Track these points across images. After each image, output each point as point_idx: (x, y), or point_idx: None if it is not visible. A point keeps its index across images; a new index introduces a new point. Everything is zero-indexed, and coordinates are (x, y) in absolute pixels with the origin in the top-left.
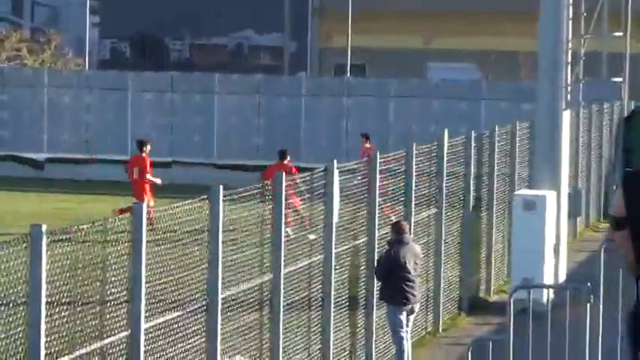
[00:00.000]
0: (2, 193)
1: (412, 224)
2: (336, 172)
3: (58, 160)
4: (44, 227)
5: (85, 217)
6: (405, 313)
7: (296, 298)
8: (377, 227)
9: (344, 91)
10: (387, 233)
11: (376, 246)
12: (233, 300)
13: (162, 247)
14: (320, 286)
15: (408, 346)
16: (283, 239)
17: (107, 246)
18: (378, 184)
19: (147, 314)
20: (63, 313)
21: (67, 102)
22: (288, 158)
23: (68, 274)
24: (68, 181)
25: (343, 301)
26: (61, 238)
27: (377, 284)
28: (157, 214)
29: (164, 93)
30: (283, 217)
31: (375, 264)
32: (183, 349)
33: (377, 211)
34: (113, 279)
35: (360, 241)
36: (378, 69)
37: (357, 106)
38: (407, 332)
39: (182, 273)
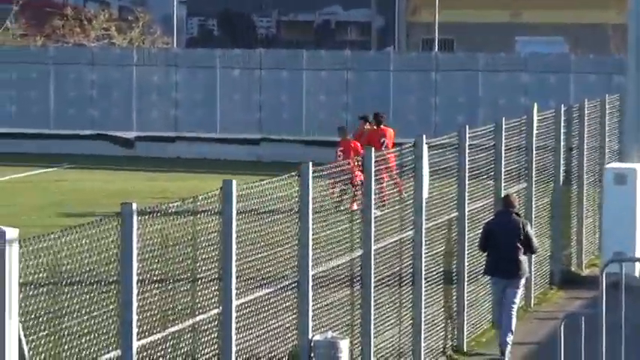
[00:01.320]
0: (93, 172)
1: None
2: (425, 147)
3: (148, 138)
4: (135, 205)
5: (175, 195)
6: (502, 285)
7: (387, 274)
8: (467, 201)
9: (432, 66)
10: (476, 209)
11: (466, 220)
12: (324, 277)
13: (252, 224)
14: (410, 262)
15: (505, 318)
16: (373, 215)
17: (198, 223)
18: (467, 158)
19: (238, 292)
20: (154, 291)
21: (156, 80)
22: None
23: (159, 252)
24: (158, 159)
25: (434, 277)
26: (152, 215)
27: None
28: (247, 191)
29: (252, 70)
30: (373, 192)
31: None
32: (274, 326)
33: (466, 185)
34: (204, 256)
35: (454, 214)
36: (466, 43)
37: (446, 81)
38: (511, 306)
39: (272, 250)
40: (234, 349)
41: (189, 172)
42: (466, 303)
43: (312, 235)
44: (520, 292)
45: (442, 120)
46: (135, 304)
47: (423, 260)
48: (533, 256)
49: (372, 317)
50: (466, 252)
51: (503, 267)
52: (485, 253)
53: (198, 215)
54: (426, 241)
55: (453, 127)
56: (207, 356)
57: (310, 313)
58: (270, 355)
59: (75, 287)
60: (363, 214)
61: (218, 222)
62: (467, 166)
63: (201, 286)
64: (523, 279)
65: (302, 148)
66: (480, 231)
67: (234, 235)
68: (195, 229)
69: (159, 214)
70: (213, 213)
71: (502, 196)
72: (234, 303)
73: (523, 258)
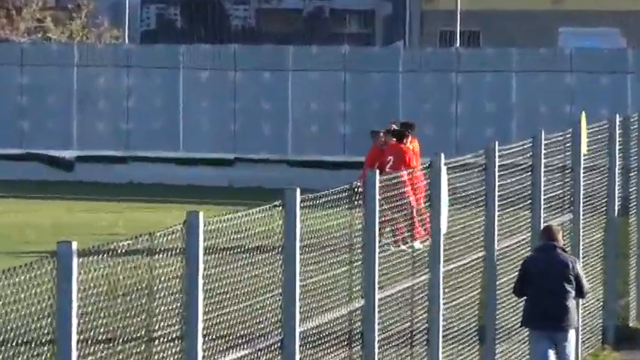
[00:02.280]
0: (22, 201)
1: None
2: (443, 168)
3: (92, 158)
4: (74, 244)
5: (127, 230)
6: (548, 340)
7: (394, 331)
8: (496, 237)
9: (453, 64)
10: (509, 246)
11: (495, 260)
12: (314, 334)
13: (224, 267)
14: (425, 315)
15: None
16: (377, 255)
17: (155, 267)
18: (497, 182)
19: (205, 354)
20: (99, 354)
21: (103, 85)
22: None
23: (105, 304)
24: (104, 184)
25: (455, 334)
26: (96, 257)
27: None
28: (217, 225)
29: (225, 71)
30: (377, 226)
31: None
32: None
33: (496, 217)
34: (163, 309)
35: (477, 256)
36: (495, 37)
37: (470, 84)
38: None
39: (250, 301)
40: None
41: (145, 201)
42: None
43: (300, 281)
44: (573, 347)
45: (465, 134)
46: None
47: (441, 312)
48: (581, 304)
49: None
50: (496, 301)
51: (549, 316)
52: (523, 300)
53: (156, 256)
54: (444, 288)
55: (479, 142)
56: None
57: None
58: None
59: None
60: (365, 252)
61: (181, 265)
62: (497, 193)
63: (159, 348)
64: (573, 330)
65: (287, 170)
66: (515, 273)
67: (200, 282)
68: (151, 274)
69: (105, 255)
70: (174, 253)
71: (543, 228)
72: None
73: (572, 304)
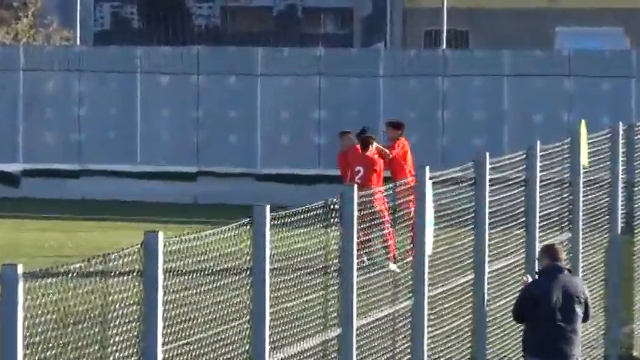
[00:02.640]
0: None
1: (536, 253)
2: (428, 182)
3: (40, 172)
4: (20, 267)
5: (79, 251)
6: None
7: None
8: (487, 259)
9: (439, 68)
10: (500, 269)
11: (486, 285)
12: None
13: (186, 293)
14: (408, 344)
15: None
16: (355, 279)
17: (110, 292)
18: (487, 198)
19: None
20: None
21: (51, 91)
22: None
23: (55, 333)
24: (53, 201)
25: None
26: (44, 281)
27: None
28: (179, 246)
29: (187, 75)
30: (354, 246)
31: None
32: None
33: (486, 237)
34: (118, 339)
35: (465, 279)
36: (485, 37)
37: (458, 89)
38: None
39: (215, 329)
40: None
41: (99, 219)
42: None
43: (270, 307)
44: None
45: (452, 144)
46: None
47: (426, 342)
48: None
49: None
50: (486, 329)
51: (556, 344)
52: (517, 327)
53: (111, 281)
54: (430, 315)
55: (467, 154)
56: None
57: None
58: None
59: None
60: (341, 276)
61: (138, 290)
62: (487, 210)
63: None
64: None
65: (255, 185)
66: (509, 298)
67: (160, 309)
68: (105, 300)
69: (55, 278)
70: (131, 278)
71: (543, 247)
72: None
73: (580, 331)
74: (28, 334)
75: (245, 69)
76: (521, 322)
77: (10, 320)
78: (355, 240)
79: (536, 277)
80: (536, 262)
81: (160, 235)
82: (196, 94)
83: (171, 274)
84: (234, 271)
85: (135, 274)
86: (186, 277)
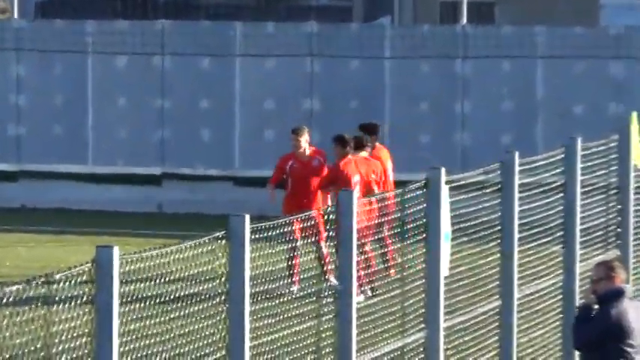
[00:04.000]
0: None
1: (577, 274)
2: (444, 188)
3: None
4: None
5: (16, 271)
6: None
7: None
8: (517, 282)
9: (457, 48)
10: (533, 293)
11: (515, 313)
12: None
13: (146, 321)
14: None
15: None
16: (354, 307)
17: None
18: (517, 207)
19: None
20: None
21: None
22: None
23: None
24: None
25: None
26: None
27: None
28: (139, 265)
29: (149, 56)
30: (354, 264)
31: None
32: None
33: (516, 254)
34: None
35: (490, 306)
36: (514, 10)
37: (480, 74)
38: None
39: None
40: None
41: (41, 231)
42: None
43: (251, 340)
44: None
45: (474, 141)
46: None
47: None
48: None
49: None
50: None
51: None
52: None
53: (55, 307)
54: (447, 349)
55: (492, 153)
56: None
57: None
58: None
59: None
60: (338, 301)
61: (88, 319)
62: (516, 222)
63: None
64: None
65: (231, 189)
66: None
67: (115, 342)
68: (48, 331)
69: None
70: (79, 303)
71: (599, 264)
72: None
73: None
74: None
75: (220, 48)
76: (583, 349)
77: None
78: (355, 256)
79: (593, 299)
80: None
81: (116, 250)
82: (161, 80)
83: (129, 298)
84: (207, 296)
85: (84, 299)
86: (147, 303)
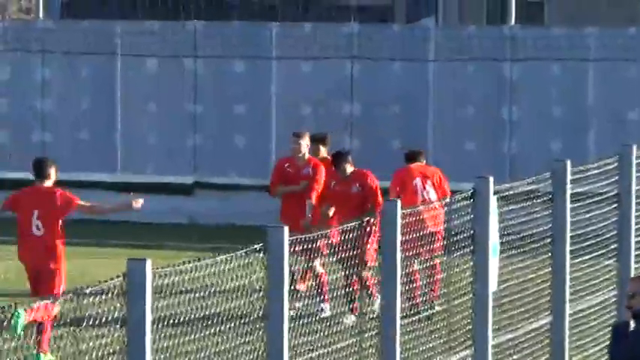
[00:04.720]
0: None
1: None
2: (493, 198)
3: None
4: None
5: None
6: None
7: None
8: (568, 297)
9: (505, 50)
10: (587, 309)
11: (567, 330)
12: None
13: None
14: None
15: None
16: (398, 322)
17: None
18: (568, 218)
19: None
20: None
21: (6, 77)
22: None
23: None
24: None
25: None
26: None
27: None
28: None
29: (180, 59)
30: (398, 280)
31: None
32: None
33: (567, 268)
34: None
35: (540, 323)
36: (566, 10)
37: (529, 78)
38: None
39: None
40: None
41: (67, 244)
42: None
43: (290, 358)
44: None
45: (523, 149)
46: None
47: None
48: None
49: None
50: None
51: None
52: None
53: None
54: None
55: (542, 162)
56: None
57: None
58: None
59: None
60: (381, 318)
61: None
62: (568, 233)
63: None
64: None
65: (267, 200)
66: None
67: (148, 358)
68: (77, 348)
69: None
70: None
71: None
72: None
73: None
74: None
75: (255, 51)
76: None
77: None
78: (399, 269)
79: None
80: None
81: (149, 263)
82: (193, 84)
83: (162, 314)
84: (243, 311)
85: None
86: (181, 319)
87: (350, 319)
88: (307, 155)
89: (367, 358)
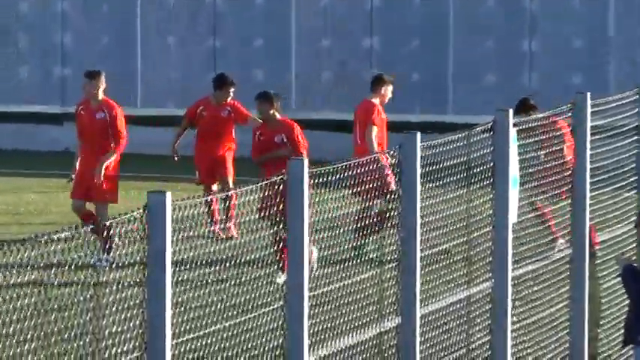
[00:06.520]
0: None
1: None
2: (512, 130)
3: (13, 116)
4: None
5: (62, 218)
6: None
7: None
8: (587, 229)
9: None
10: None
11: (587, 262)
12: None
13: (202, 271)
14: (486, 338)
15: None
16: (417, 256)
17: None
18: (588, 151)
19: None
20: None
21: (26, 12)
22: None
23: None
24: (27, 152)
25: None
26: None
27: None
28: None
29: None
30: (418, 213)
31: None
32: None
33: (587, 200)
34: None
35: (561, 255)
36: None
37: (549, 10)
38: None
39: (238, 317)
40: None
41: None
42: None
43: (310, 290)
44: None
45: (543, 82)
46: None
47: (509, 335)
48: None
49: None
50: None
51: None
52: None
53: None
54: (514, 300)
55: (563, 95)
56: None
57: None
58: None
59: None
60: (401, 253)
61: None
62: (587, 166)
63: None
64: None
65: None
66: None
67: (168, 291)
68: (97, 279)
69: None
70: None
71: None
72: None
73: None
74: None
75: None
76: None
77: None
78: (418, 204)
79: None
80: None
81: (168, 195)
82: (212, 17)
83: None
84: (265, 244)
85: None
86: (201, 252)
87: (282, 279)
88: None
89: (388, 290)
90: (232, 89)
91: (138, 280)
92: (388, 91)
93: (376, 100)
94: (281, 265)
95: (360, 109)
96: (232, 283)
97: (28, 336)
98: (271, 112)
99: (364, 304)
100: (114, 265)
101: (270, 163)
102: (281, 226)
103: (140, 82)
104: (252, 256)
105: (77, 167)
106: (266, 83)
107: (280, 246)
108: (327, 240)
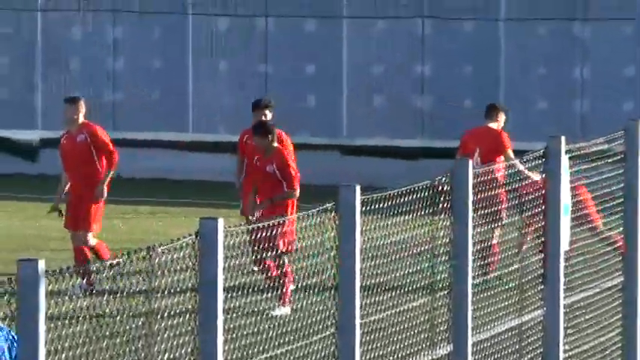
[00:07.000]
0: None
1: None
2: (564, 157)
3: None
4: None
5: (115, 245)
6: None
7: None
8: None
9: (577, 9)
10: None
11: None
12: None
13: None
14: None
15: None
16: (469, 283)
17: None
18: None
19: None
20: None
21: (77, 38)
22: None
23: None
24: None
25: None
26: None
27: None
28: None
29: (251, 18)
30: (469, 239)
31: None
32: None
33: (639, 225)
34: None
35: (612, 282)
36: None
37: (602, 38)
38: None
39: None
40: None
41: (136, 202)
42: None
43: (362, 318)
44: None
45: (595, 109)
46: None
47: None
48: None
49: None
50: None
51: None
52: None
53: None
54: (566, 328)
55: (615, 121)
56: None
57: None
58: None
59: None
60: (453, 280)
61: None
62: (639, 192)
63: None
64: None
65: (339, 159)
66: None
67: (220, 316)
68: (150, 306)
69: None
70: (183, 278)
71: None
72: None
73: None
74: (52, 350)
75: (327, 10)
76: None
77: (29, 331)
78: (470, 231)
79: None
80: None
81: (221, 222)
82: (264, 44)
83: (233, 273)
84: (315, 270)
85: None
86: (253, 278)
87: (278, 311)
88: None
89: (439, 318)
90: (266, 111)
91: (190, 307)
92: (502, 118)
93: (495, 125)
94: (280, 297)
95: (479, 136)
96: None
97: None
98: (267, 142)
99: (416, 331)
100: (166, 292)
101: (262, 188)
102: (284, 258)
103: (191, 107)
104: (305, 283)
105: (61, 197)
106: (316, 110)
107: (281, 280)
108: (379, 267)
